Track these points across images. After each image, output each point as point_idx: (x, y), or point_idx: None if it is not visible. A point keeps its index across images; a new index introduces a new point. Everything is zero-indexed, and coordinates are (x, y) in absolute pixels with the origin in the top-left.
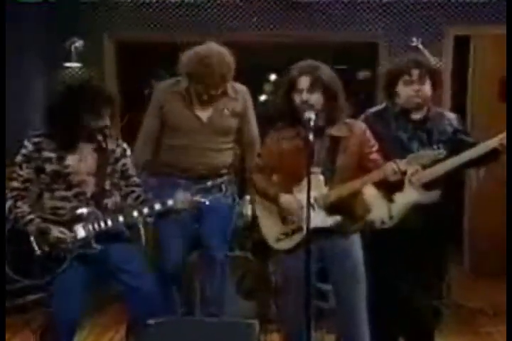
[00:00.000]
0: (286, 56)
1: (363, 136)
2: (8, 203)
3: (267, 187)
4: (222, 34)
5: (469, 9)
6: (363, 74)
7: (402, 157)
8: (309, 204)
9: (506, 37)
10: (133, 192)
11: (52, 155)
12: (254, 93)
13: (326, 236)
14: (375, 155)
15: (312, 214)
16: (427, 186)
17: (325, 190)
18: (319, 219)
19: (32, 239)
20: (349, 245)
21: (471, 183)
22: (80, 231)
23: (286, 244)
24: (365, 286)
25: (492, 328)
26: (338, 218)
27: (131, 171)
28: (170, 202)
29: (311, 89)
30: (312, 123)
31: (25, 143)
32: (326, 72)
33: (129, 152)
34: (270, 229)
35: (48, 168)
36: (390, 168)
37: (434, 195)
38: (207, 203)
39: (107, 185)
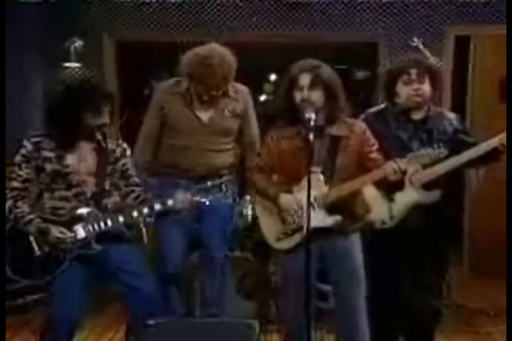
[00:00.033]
0: (286, 56)
1: (363, 136)
2: (8, 203)
3: (266, 186)
4: (222, 34)
5: (469, 9)
6: (362, 74)
7: (402, 157)
8: (309, 204)
9: (506, 37)
10: (133, 192)
11: (52, 154)
12: (255, 93)
13: (325, 235)
14: (375, 155)
15: (312, 213)
16: (427, 186)
17: (325, 189)
18: (319, 218)
19: (32, 239)
20: (349, 245)
21: (471, 183)
22: (80, 232)
23: (286, 244)
24: (365, 286)
25: (492, 328)
26: (338, 218)
27: (131, 171)
28: (170, 202)
29: (312, 86)
30: (312, 123)
31: (25, 142)
32: (326, 70)
33: (129, 152)
34: (270, 228)
35: (48, 167)
36: (390, 168)
37: (434, 195)
38: (207, 203)
39: (107, 185)
